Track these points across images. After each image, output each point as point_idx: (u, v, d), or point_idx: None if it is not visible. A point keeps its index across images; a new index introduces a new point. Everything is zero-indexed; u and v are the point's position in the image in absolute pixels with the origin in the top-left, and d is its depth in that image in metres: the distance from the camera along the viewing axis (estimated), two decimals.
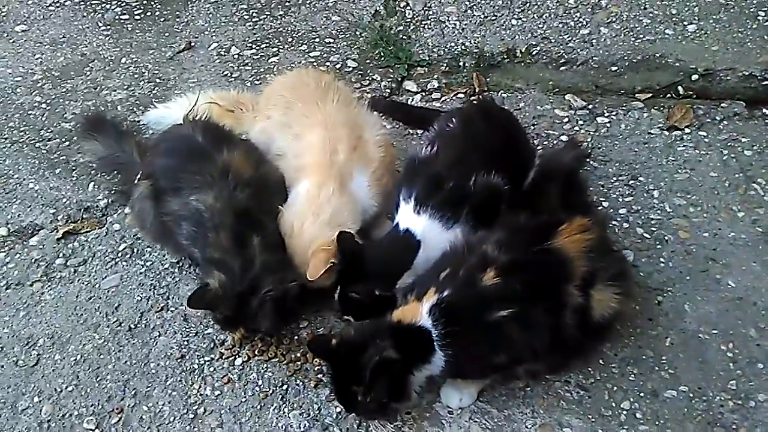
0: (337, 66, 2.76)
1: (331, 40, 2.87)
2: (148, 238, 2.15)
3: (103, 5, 3.06)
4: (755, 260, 2.05)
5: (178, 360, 1.90)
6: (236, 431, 1.76)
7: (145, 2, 3.08)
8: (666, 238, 2.12)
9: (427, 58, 2.77)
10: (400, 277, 1.85)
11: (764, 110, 2.49)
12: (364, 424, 1.75)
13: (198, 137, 2.00)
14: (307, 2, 3.04)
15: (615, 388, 1.79)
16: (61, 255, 2.17)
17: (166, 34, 2.94)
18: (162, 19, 3.01)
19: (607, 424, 1.73)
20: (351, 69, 2.75)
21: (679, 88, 2.58)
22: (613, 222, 2.16)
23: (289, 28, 2.93)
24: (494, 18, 2.84)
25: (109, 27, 2.97)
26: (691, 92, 2.57)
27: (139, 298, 2.04)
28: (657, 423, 1.73)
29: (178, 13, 3.03)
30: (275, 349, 1.91)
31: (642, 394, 1.78)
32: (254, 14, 3.01)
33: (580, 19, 2.78)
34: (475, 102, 2.54)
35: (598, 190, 2.26)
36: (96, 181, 2.36)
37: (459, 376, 1.76)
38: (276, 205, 1.96)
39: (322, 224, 1.90)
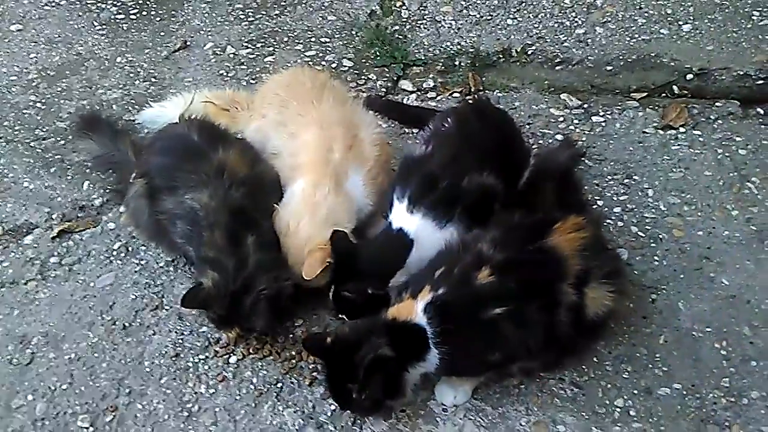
0: (333, 65, 2.76)
1: (327, 40, 2.87)
2: (143, 237, 2.14)
3: (98, 5, 3.05)
4: (749, 258, 2.06)
5: (173, 358, 1.90)
6: (231, 429, 1.76)
7: (140, 2, 3.07)
8: (660, 236, 2.12)
9: (423, 58, 2.77)
10: (393, 276, 1.85)
11: (758, 110, 2.51)
12: (359, 421, 1.75)
13: (193, 136, 2.00)
14: (303, 2, 3.04)
15: (609, 385, 1.80)
16: (55, 254, 2.16)
17: (162, 34, 2.94)
18: (157, 19, 3.01)
19: (601, 421, 1.73)
20: (347, 68, 2.75)
21: (674, 87, 2.59)
22: (608, 220, 2.17)
23: (285, 28, 2.93)
24: (490, 17, 2.85)
25: (104, 26, 2.96)
26: (685, 92, 2.58)
27: (133, 297, 2.04)
28: (650, 420, 1.73)
29: (173, 12, 3.03)
30: (270, 347, 1.90)
31: (636, 392, 1.78)
32: (250, 13, 3.01)
33: (576, 19, 2.79)
34: (470, 101, 2.54)
35: (592, 189, 2.27)
36: (91, 179, 2.35)
37: (454, 374, 1.77)
38: (271, 204, 1.95)
39: (317, 223, 1.90)
